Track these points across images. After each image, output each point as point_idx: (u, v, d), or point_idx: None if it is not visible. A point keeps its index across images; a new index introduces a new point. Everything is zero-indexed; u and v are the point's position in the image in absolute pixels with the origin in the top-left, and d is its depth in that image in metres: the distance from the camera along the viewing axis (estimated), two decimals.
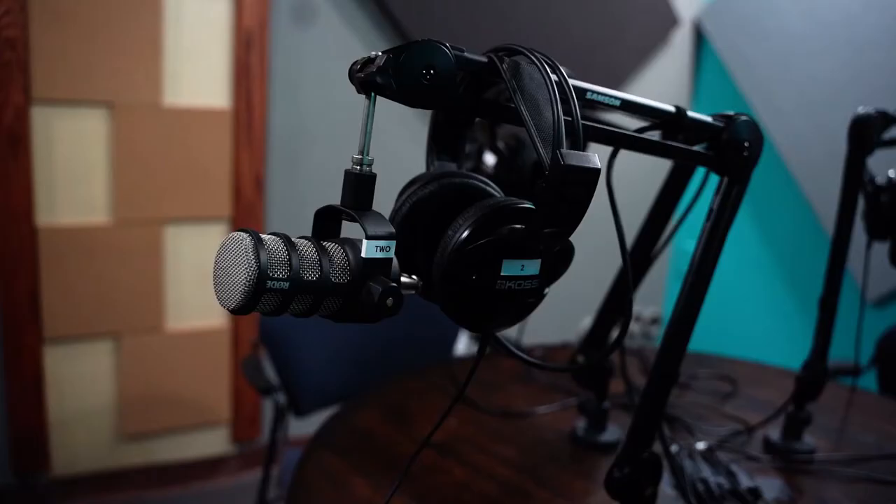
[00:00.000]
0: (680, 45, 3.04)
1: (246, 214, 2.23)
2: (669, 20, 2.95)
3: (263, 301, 0.51)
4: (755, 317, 3.01)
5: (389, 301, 0.54)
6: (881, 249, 1.13)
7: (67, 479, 2.15)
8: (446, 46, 0.56)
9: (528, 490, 0.98)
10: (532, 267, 0.60)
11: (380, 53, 0.55)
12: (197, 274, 2.22)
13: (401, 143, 2.15)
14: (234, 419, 2.38)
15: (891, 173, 1.17)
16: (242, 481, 2.37)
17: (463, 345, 1.84)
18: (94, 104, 1.98)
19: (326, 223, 0.58)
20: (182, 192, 2.13)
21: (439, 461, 1.05)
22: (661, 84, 3.02)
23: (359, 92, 0.57)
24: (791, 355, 2.69)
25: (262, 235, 0.52)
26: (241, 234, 0.51)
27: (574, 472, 1.05)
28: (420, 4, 2.34)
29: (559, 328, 2.23)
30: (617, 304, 1.08)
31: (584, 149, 0.55)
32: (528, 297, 0.61)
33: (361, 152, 0.57)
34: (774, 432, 1.16)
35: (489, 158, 1.18)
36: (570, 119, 0.56)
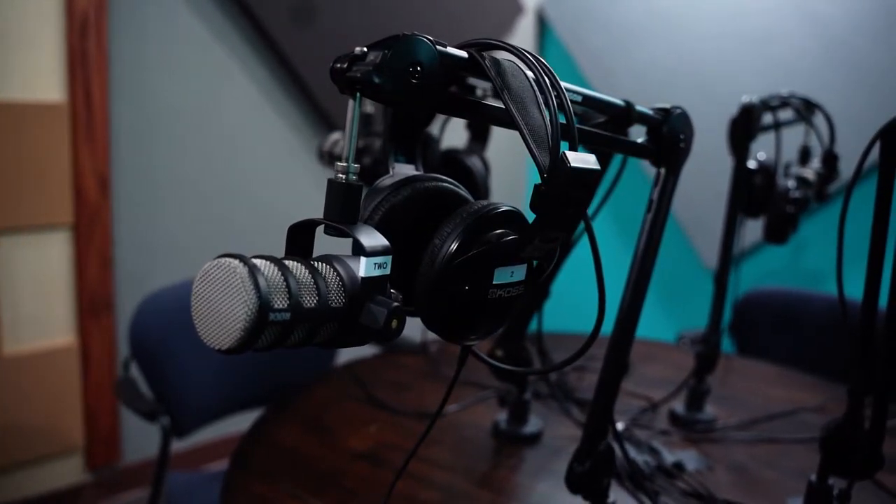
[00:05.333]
0: (524, 33, 3.13)
1: (90, 220, 2.01)
2: (514, 8, 3.02)
3: (263, 337, 0.45)
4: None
5: (394, 323, 0.49)
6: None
7: None
8: (430, 41, 0.52)
9: (468, 492, 0.96)
10: (520, 272, 0.58)
11: (365, 49, 0.50)
12: (35, 289, 1.97)
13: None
14: (89, 445, 2.15)
15: (760, 156, 1.27)
16: None
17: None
18: None
19: (301, 239, 0.52)
20: (13, 198, 1.88)
21: (374, 473, 1.00)
22: None
23: (342, 92, 0.51)
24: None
25: (254, 260, 0.45)
26: (231, 260, 0.44)
27: (508, 467, 1.05)
28: None
29: None
30: (534, 296, 1.09)
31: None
32: (513, 303, 0.59)
33: (346, 160, 0.51)
34: (678, 405, 1.22)
35: None
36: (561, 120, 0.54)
